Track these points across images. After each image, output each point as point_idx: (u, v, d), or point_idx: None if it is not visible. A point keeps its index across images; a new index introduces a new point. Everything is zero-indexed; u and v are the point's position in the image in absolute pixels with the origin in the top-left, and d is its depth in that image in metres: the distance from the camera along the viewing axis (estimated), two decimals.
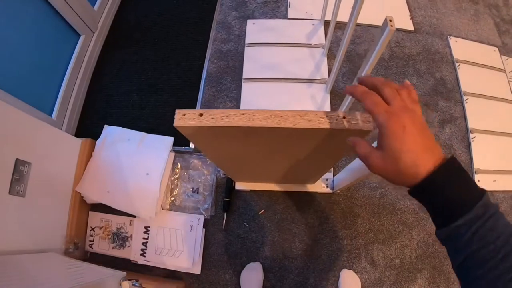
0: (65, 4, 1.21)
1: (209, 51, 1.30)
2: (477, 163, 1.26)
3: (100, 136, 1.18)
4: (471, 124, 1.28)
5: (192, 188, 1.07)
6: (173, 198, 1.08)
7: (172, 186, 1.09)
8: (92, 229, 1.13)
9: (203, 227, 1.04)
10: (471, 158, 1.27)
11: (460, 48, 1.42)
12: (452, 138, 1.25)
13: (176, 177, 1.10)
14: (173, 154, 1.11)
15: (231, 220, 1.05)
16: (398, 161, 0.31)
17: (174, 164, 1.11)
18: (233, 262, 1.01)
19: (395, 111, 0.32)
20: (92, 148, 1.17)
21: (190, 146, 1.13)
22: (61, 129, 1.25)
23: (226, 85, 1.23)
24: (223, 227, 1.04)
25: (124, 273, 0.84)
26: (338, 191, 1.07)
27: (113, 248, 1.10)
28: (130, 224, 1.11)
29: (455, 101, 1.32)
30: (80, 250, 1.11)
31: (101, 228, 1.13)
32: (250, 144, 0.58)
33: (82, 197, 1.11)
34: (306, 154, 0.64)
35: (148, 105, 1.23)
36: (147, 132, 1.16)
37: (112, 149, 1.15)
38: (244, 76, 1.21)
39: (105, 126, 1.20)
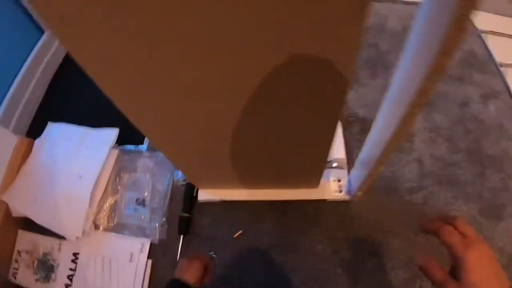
0: None
1: None
2: None
3: (41, 136, 0.66)
4: None
5: (137, 199, 0.52)
6: (112, 213, 0.53)
7: (114, 196, 0.54)
8: (19, 253, 0.59)
9: (149, 257, 0.48)
10: None
11: (483, 20, 0.85)
12: (500, 116, 0.65)
13: (118, 182, 0.55)
14: (116, 151, 0.57)
15: (190, 247, 0.48)
16: None
17: (119, 165, 0.56)
18: None
19: (471, 242, 0.24)
20: (31, 149, 0.66)
21: (144, 143, 0.59)
22: (8, 128, 0.75)
23: None
24: (178, 258, 0.47)
25: None
26: (358, 197, 0.49)
27: (36, 280, 0.55)
28: (59, 249, 0.56)
29: (492, 74, 0.72)
30: (3, 279, 0.58)
31: (27, 252, 0.59)
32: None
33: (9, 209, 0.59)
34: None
35: None
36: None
37: (51, 150, 0.63)
38: None
39: (48, 123, 0.67)
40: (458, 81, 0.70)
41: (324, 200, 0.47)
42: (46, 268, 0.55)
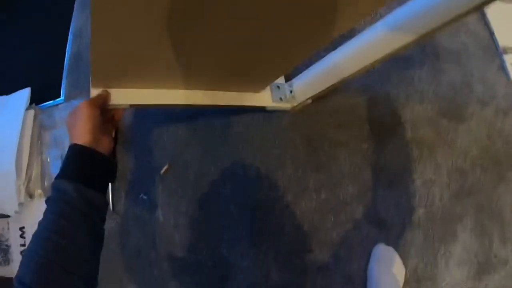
0: None
1: None
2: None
3: None
4: None
5: (62, 155, 0.48)
6: (44, 177, 0.49)
7: (39, 160, 0.50)
8: None
9: None
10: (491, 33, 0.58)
11: None
12: None
13: (41, 144, 0.50)
14: (31, 111, 0.51)
15: (121, 195, 0.43)
16: None
17: (39, 126, 0.50)
18: (138, 265, 0.41)
19: None
20: None
21: (61, 95, 0.53)
22: None
23: None
24: (112, 209, 0.43)
25: None
26: (305, 105, 0.41)
27: None
28: (8, 228, 0.53)
29: None
30: None
31: None
32: None
33: None
34: None
35: None
36: None
37: None
38: None
39: None
40: None
41: (263, 108, 0.39)
42: (2, 250, 0.53)
